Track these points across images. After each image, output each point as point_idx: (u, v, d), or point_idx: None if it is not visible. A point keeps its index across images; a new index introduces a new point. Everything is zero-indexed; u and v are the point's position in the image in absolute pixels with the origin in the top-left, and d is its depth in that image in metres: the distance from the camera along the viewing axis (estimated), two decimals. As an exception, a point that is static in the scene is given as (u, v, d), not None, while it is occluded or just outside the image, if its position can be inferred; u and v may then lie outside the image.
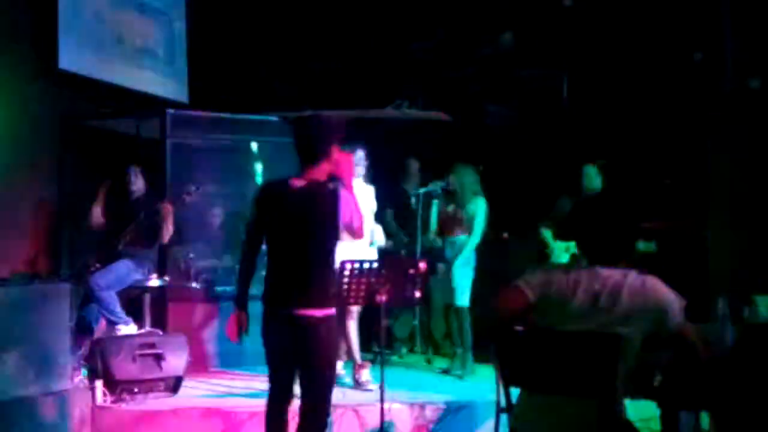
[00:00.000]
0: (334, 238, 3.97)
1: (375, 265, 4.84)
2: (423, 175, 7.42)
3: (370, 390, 5.70)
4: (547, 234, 6.54)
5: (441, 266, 6.38)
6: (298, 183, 3.93)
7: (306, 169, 3.94)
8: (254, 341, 6.81)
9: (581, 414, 2.89)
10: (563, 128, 7.89)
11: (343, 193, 3.94)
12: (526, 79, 8.14)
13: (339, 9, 8.14)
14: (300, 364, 3.95)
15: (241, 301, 4.07)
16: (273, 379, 4.02)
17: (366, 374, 5.85)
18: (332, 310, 3.94)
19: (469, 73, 8.26)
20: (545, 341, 3.00)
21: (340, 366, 5.86)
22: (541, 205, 6.75)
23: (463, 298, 6.22)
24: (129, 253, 6.02)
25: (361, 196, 6.03)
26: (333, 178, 4.00)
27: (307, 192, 3.91)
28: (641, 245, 5.94)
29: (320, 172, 3.93)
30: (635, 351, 2.93)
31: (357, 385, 5.84)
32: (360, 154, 5.99)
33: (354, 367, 5.89)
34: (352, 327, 5.88)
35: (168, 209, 6.04)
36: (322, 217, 3.90)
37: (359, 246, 5.90)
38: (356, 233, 4.09)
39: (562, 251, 6.38)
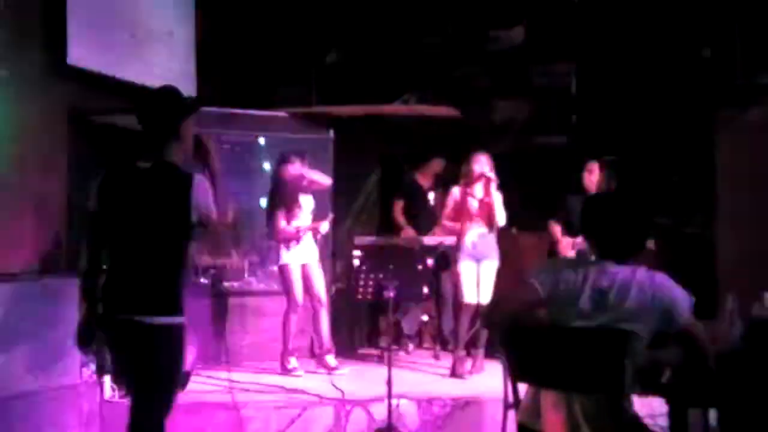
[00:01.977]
0: (185, 230, 3.38)
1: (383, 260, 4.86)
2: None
3: (343, 373, 6.10)
4: (556, 229, 6.52)
5: (463, 262, 6.27)
6: (144, 165, 3.39)
7: (153, 149, 3.40)
8: (262, 337, 6.87)
9: (589, 410, 2.89)
10: (572, 124, 7.87)
11: (200, 180, 3.39)
12: (535, 75, 8.12)
13: (348, 4, 8.14)
14: (134, 378, 3.44)
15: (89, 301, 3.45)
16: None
17: (332, 359, 6.26)
18: (178, 319, 3.36)
19: (478, 68, 8.24)
20: (554, 337, 3.00)
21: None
22: (550, 201, 6.74)
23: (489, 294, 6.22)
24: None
25: (306, 205, 6.36)
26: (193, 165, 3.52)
27: (152, 175, 3.36)
28: None
29: (172, 154, 3.42)
30: (643, 347, 2.93)
31: (328, 371, 6.20)
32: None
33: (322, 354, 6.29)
34: (324, 316, 6.30)
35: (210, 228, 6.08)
36: (168, 206, 3.34)
37: (306, 246, 6.28)
38: (210, 227, 3.45)
39: (569, 247, 6.36)
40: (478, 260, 6.24)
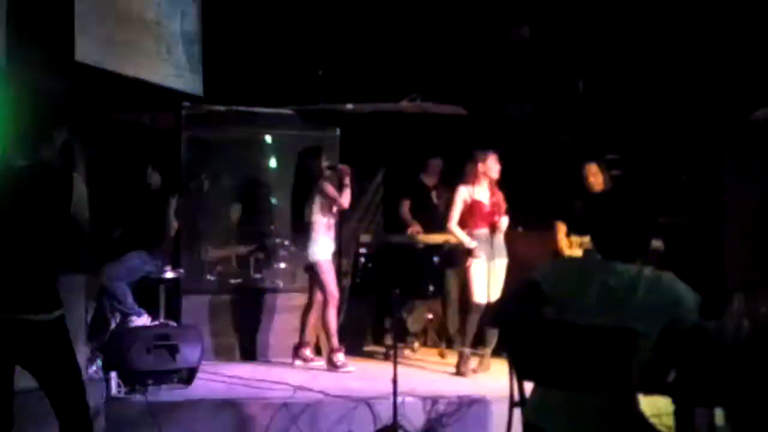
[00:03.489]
0: (59, 229, 3.44)
1: (389, 258, 4.86)
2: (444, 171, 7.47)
3: (350, 371, 6.10)
4: (562, 227, 6.51)
5: (478, 261, 6.25)
6: (21, 164, 3.45)
7: (28, 150, 3.47)
8: (267, 334, 6.88)
9: (595, 409, 2.88)
10: (579, 123, 7.85)
11: (77, 179, 3.49)
12: (542, 74, 8.10)
13: (354, 1, 8.13)
14: (37, 375, 3.53)
15: None
16: None
17: (341, 357, 6.20)
18: (57, 313, 3.47)
19: (485, 66, 8.23)
20: (559, 335, 2.99)
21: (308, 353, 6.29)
22: (556, 200, 6.72)
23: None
24: (142, 246, 6.05)
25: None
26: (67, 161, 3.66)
27: (29, 174, 3.42)
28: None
29: (45, 155, 3.49)
30: (649, 346, 2.92)
31: (333, 368, 6.19)
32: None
33: (329, 351, 6.24)
34: (332, 314, 6.23)
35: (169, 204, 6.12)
36: (43, 204, 3.40)
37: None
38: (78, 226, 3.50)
39: (576, 246, 6.35)
40: (489, 259, 6.23)
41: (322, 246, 6.29)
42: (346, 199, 6.28)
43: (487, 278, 6.19)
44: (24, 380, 4.55)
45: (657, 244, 6.06)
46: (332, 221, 6.39)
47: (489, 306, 6.11)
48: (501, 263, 6.28)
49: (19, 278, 3.38)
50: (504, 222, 6.27)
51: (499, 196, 6.28)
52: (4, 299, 3.37)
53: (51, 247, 3.44)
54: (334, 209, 6.35)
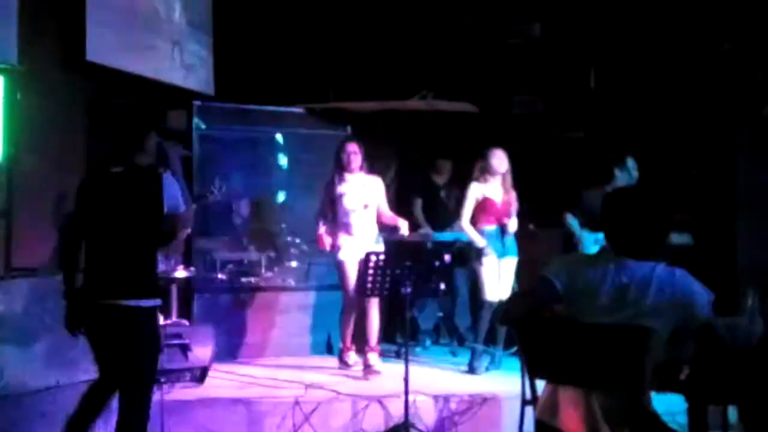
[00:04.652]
0: (153, 224, 3.84)
1: (400, 256, 4.85)
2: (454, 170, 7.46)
3: (377, 372, 5.91)
4: (573, 223, 6.49)
5: (486, 259, 6.22)
6: (116, 169, 3.89)
7: (123, 156, 3.91)
8: (279, 332, 6.88)
9: (607, 407, 2.88)
10: (590, 119, 7.83)
11: (167, 178, 3.87)
12: (553, 70, 8.08)
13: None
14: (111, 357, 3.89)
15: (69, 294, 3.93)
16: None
17: (374, 358, 6.00)
18: (147, 302, 3.84)
19: (496, 63, 8.21)
20: (571, 333, 2.98)
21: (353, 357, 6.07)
22: (567, 196, 6.70)
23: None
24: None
25: (360, 190, 6.10)
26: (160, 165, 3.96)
27: (124, 177, 3.86)
28: (675, 237, 5.90)
29: (139, 159, 3.90)
30: (662, 344, 2.90)
31: (345, 366, 6.10)
32: (351, 148, 6.09)
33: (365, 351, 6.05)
34: (374, 313, 6.03)
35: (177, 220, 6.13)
36: (137, 203, 3.82)
37: (364, 240, 5.99)
38: (181, 221, 3.93)
39: (591, 242, 6.32)
40: (499, 257, 6.21)
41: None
42: None
43: (498, 276, 6.17)
44: (32, 380, 4.58)
45: (682, 239, 6.07)
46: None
47: (500, 303, 6.10)
48: (511, 261, 6.26)
49: (116, 268, 3.81)
50: (513, 224, 6.23)
51: (512, 196, 6.25)
52: (103, 287, 3.81)
53: (144, 241, 3.85)
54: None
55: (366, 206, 6.12)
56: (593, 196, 6.28)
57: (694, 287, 2.93)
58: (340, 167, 6.15)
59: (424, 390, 5.28)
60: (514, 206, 6.23)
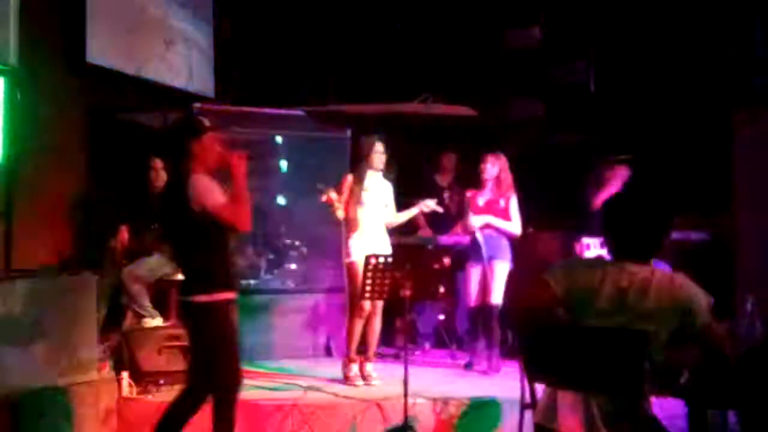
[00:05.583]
0: (194, 223, 3.95)
1: (400, 259, 4.85)
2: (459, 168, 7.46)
3: (374, 384, 5.75)
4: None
5: (477, 262, 6.26)
6: (171, 178, 4.22)
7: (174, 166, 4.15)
8: (278, 335, 6.86)
9: (607, 411, 2.87)
10: (590, 123, 7.83)
11: (193, 177, 3.97)
12: (553, 74, 8.09)
13: (366, 3, 8.13)
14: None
15: None
16: None
17: (354, 368, 5.84)
18: (216, 296, 3.99)
19: (495, 66, 8.22)
20: (571, 337, 2.98)
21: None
22: (567, 200, 6.71)
23: (500, 295, 6.21)
24: (158, 248, 6.07)
25: (379, 189, 6.04)
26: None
27: (171, 184, 4.17)
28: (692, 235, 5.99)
29: (195, 166, 4.03)
30: (662, 348, 2.90)
31: (345, 378, 5.85)
32: (380, 148, 5.94)
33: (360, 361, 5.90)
34: (377, 321, 5.89)
35: None
36: (177, 205, 3.98)
37: (375, 240, 5.84)
38: (213, 213, 3.95)
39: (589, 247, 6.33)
40: (486, 261, 6.23)
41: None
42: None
43: (482, 280, 6.20)
44: (31, 381, 4.58)
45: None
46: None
47: (486, 307, 6.17)
48: (500, 265, 6.25)
49: (181, 266, 4.17)
50: (475, 221, 6.22)
51: (505, 200, 6.26)
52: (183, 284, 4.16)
53: (191, 239, 4.02)
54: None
55: (385, 206, 5.99)
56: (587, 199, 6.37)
57: (694, 291, 2.93)
58: (367, 165, 5.91)
59: (423, 393, 5.27)
60: (500, 208, 6.26)
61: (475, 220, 6.24)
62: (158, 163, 6.22)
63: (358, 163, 6.01)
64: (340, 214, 5.80)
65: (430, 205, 6.03)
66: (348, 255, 5.82)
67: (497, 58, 8.24)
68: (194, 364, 4.11)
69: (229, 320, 4.06)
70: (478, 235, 6.23)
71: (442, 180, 7.54)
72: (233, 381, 4.08)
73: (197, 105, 7.10)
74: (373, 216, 5.90)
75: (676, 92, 7.33)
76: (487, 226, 6.26)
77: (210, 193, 3.93)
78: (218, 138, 4.18)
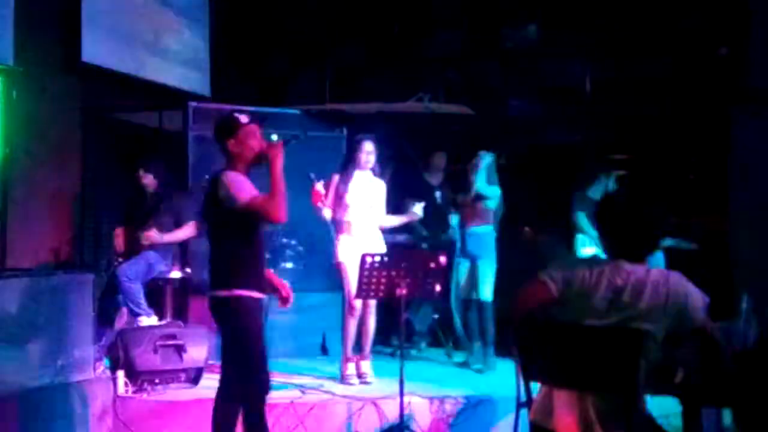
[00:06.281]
0: (228, 220, 4.00)
1: (395, 258, 4.85)
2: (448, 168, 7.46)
3: (369, 383, 5.74)
4: (582, 221, 6.47)
5: (462, 260, 6.35)
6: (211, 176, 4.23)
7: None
8: (274, 334, 6.85)
9: (602, 409, 2.88)
10: (586, 122, 7.84)
11: (226, 175, 4.03)
12: (549, 73, 8.09)
13: (362, 1, 8.13)
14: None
15: None
16: None
17: (366, 366, 5.84)
18: (236, 292, 3.99)
19: (492, 66, 8.22)
20: (567, 336, 2.99)
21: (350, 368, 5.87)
22: (562, 200, 6.71)
23: (488, 291, 6.22)
24: (153, 246, 6.07)
25: (366, 189, 6.02)
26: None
27: (209, 182, 4.16)
28: (682, 244, 5.99)
29: (233, 163, 4.13)
30: (657, 347, 2.91)
31: (358, 377, 5.82)
32: (368, 147, 5.92)
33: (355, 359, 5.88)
34: (372, 321, 5.87)
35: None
36: (212, 203, 4.03)
37: (364, 242, 5.80)
38: (248, 210, 3.97)
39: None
40: (471, 259, 6.31)
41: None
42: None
43: (465, 276, 6.34)
44: (27, 380, 4.57)
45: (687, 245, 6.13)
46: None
47: (472, 303, 6.33)
48: (485, 263, 6.29)
49: (211, 262, 4.11)
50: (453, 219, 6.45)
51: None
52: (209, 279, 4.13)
53: (224, 235, 4.04)
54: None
55: (370, 207, 5.94)
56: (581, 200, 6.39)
57: (689, 290, 2.94)
58: (353, 164, 5.92)
59: (419, 392, 5.28)
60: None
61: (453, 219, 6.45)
62: (147, 178, 6.21)
63: (345, 163, 6.01)
64: (327, 214, 5.81)
65: (418, 213, 6.03)
66: (336, 255, 5.85)
67: (494, 57, 8.25)
68: (227, 363, 4.15)
69: (256, 321, 4.08)
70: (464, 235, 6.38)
71: (432, 179, 7.53)
72: (260, 388, 4.14)
73: (193, 104, 7.10)
74: (361, 216, 5.88)
75: (674, 92, 7.34)
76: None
77: (240, 190, 3.95)
78: (254, 130, 4.24)
